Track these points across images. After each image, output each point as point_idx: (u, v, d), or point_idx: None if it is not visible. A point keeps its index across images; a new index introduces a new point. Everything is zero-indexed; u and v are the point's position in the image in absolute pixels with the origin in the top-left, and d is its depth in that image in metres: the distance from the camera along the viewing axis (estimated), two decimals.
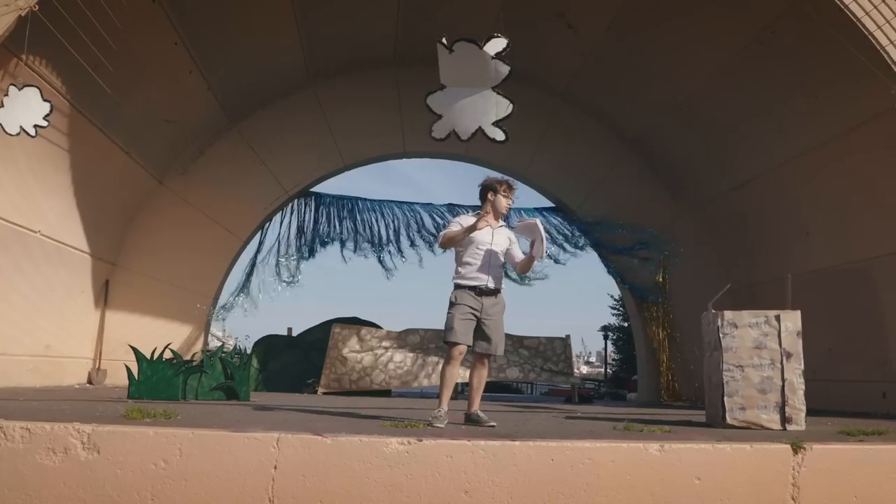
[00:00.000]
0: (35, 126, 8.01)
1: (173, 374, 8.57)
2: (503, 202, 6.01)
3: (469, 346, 5.83)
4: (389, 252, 15.01)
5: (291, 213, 14.95)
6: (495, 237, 5.95)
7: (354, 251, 14.95)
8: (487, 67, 6.61)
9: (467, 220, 6.01)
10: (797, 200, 12.09)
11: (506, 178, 6.23)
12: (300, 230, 14.86)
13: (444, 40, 6.58)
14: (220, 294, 14.37)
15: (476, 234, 5.86)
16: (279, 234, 14.79)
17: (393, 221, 15.14)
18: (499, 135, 6.69)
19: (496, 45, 6.60)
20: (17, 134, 7.97)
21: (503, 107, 6.67)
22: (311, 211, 15.01)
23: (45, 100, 8.08)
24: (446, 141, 6.84)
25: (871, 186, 10.52)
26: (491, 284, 5.86)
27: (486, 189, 6.07)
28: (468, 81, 6.66)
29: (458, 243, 5.89)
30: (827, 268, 11.48)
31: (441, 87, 6.70)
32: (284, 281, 14.50)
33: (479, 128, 6.68)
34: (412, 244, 15.10)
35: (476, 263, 5.87)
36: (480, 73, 6.63)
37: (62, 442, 4.01)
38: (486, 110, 6.67)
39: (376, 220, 15.11)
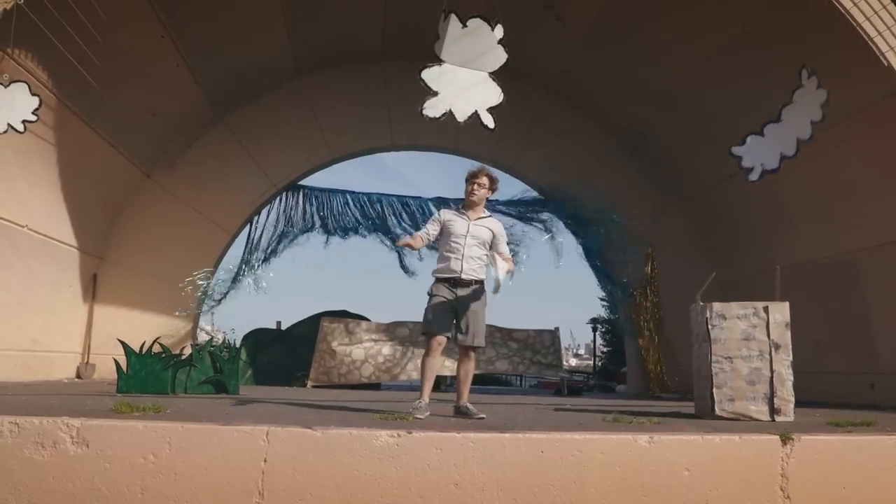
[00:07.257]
0: (24, 122, 8.04)
1: (162, 368, 8.54)
2: (468, 191, 6.16)
3: (449, 338, 5.93)
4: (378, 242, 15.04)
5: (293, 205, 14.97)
6: (472, 229, 6.05)
7: (342, 236, 14.98)
8: (492, 51, 6.65)
9: (446, 215, 6.15)
10: (784, 193, 12.10)
11: (479, 167, 6.32)
12: (287, 222, 14.82)
13: (455, 13, 6.60)
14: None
15: (452, 227, 6.04)
16: (265, 224, 14.79)
17: (381, 214, 15.11)
18: (490, 122, 6.72)
19: (499, 31, 6.68)
20: (5, 132, 8.03)
21: (496, 94, 6.70)
22: (298, 204, 14.96)
23: (33, 94, 8.12)
24: (440, 120, 6.81)
25: (855, 179, 10.55)
26: (464, 276, 5.94)
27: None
28: (469, 62, 6.66)
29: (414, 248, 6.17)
30: (813, 260, 11.52)
31: (439, 62, 6.69)
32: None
33: (476, 111, 6.68)
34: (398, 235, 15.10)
35: (451, 256, 6.01)
36: (484, 56, 6.66)
37: (51, 436, 4.00)
38: (484, 95, 6.68)
39: (365, 212, 15.07)
